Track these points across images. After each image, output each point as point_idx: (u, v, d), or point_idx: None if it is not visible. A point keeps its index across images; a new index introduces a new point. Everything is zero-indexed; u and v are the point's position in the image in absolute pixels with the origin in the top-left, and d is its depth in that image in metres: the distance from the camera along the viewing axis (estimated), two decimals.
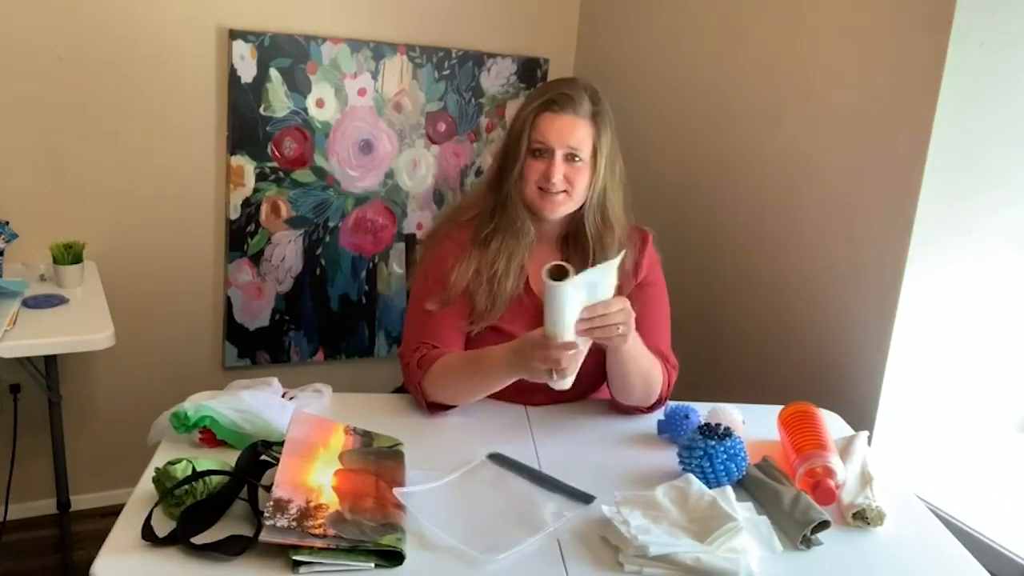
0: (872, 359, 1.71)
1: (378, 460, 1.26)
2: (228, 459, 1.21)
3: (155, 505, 1.12)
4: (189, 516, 1.09)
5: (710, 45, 2.25)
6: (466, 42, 2.67)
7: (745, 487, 1.31)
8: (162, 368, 2.53)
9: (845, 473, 1.30)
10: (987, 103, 1.58)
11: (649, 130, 2.50)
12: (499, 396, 1.57)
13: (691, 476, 1.25)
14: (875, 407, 1.71)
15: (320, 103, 2.51)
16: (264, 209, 2.53)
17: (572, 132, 1.48)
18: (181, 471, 1.14)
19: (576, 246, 1.58)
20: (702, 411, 1.48)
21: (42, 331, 1.80)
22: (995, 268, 1.68)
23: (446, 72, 2.66)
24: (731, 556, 1.09)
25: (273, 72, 2.43)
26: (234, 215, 2.50)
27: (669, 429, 1.47)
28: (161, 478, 1.14)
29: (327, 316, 2.71)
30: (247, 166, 2.47)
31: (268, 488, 1.12)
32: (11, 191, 2.24)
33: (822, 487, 1.25)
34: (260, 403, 1.35)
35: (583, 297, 1.30)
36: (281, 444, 1.22)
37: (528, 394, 1.57)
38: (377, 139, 2.63)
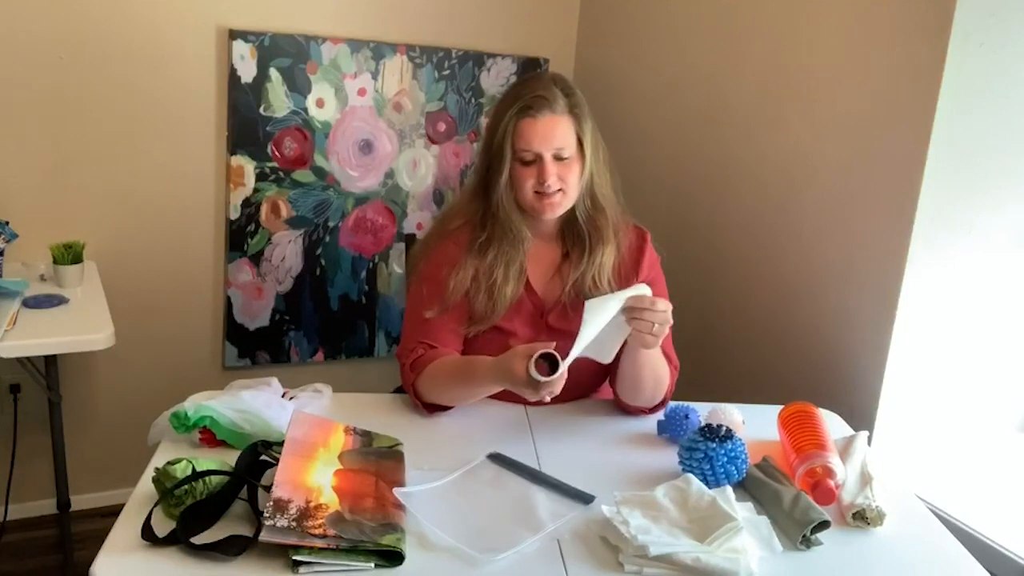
0: (872, 359, 1.71)
1: (378, 460, 1.26)
2: (228, 459, 1.21)
3: (155, 505, 1.12)
4: (189, 516, 1.09)
5: (710, 45, 2.25)
6: (466, 42, 2.67)
7: (745, 487, 1.31)
8: (162, 368, 2.53)
9: (845, 473, 1.30)
10: (987, 103, 1.58)
11: (649, 130, 2.50)
12: (499, 396, 1.57)
13: (691, 476, 1.25)
14: (875, 407, 1.71)
15: (320, 103, 2.51)
16: (264, 209, 2.53)
17: (555, 132, 1.47)
18: (181, 471, 1.14)
19: (573, 236, 1.58)
20: (702, 411, 1.48)
21: (42, 331, 1.80)
22: (995, 268, 1.68)
23: (446, 72, 2.66)
24: (731, 556, 1.09)
25: (273, 72, 2.43)
26: (234, 215, 2.50)
27: (669, 429, 1.47)
28: (161, 478, 1.14)
29: (327, 316, 2.71)
30: (247, 166, 2.47)
31: (268, 488, 1.12)
32: (11, 191, 2.24)
33: (822, 487, 1.25)
34: (260, 403, 1.35)
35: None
36: (281, 444, 1.22)
37: None
38: (377, 139, 2.63)
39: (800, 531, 1.17)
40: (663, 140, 2.45)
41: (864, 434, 1.45)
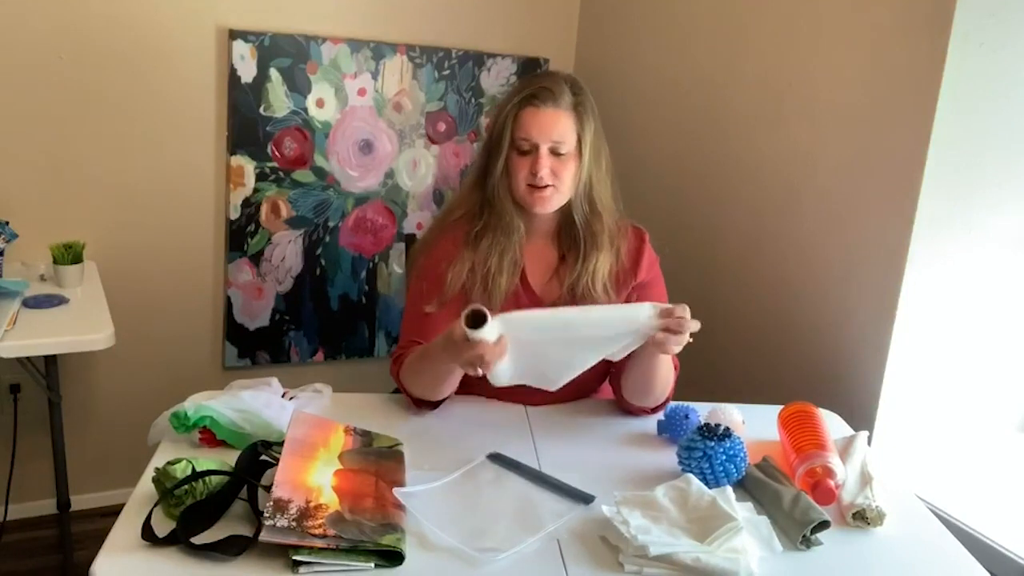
0: (872, 359, 1.71)
1: (378, 460, 1.26)
2: (228, 459, 1.21)
3: (155, 505, 1.12)
4: (189, 516, 1.09)
5: (710, 44, 2.25)
6: (466, 42, 2.67)
7: (745, 487, 1.31)
8: (162, 368, 2.53)
9: (845, 473, 1.30)
10: (987, 103, 1.58)
11: (649, 129, 2.50)
12: (499, 396, 1.57)
13: (691, 476, 1.25)
14: (875, 407, 1.71)
15: (320, 103, 2.52)
16: (264, 209, 2.53)
17: (555, 125, 1.47)
18: (181, 471, 1.14)
19: (569, 237, 1.58)
20: (702, 411, 1.48)
21: (42, 331, 1.80)
22: (995, 268, 1.68)
23: (446, 72, 2.66)
24: (731, 556, 1.09)
25: (273, 72, 2.43)
26: (234, 215, 2.50)
27: (669, 429, 1.47)
28: (161, 478, 1.14)
29: (327, 316, 2.71)
30: (247, 166, 2.47)
31: (268, 488, 1.12)
32: (11, 191, 2.24)
33: (822, 487, 1.25)
34: (260, 403, 1.35)
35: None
36: (281, 444, 1.22)
37: (528, 394, 1.57)
38: (377, 139, 2.63)
39: (800, 531, 1.17)
40: (663, 140, 2.45)
41: (864, 434, 1.45)
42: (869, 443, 1.46)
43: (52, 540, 2.42)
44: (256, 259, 2.56)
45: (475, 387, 1.59)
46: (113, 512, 1.15)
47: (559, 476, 1.31)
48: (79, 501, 2.40)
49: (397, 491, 1.18)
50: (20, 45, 2.18)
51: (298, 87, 2.47)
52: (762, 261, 2.06)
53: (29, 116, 2.23)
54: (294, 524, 1.04)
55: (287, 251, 2.60)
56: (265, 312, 2.62)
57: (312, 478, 1.15)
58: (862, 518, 1.24)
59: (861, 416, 1.71)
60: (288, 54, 2.44)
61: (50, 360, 2.03)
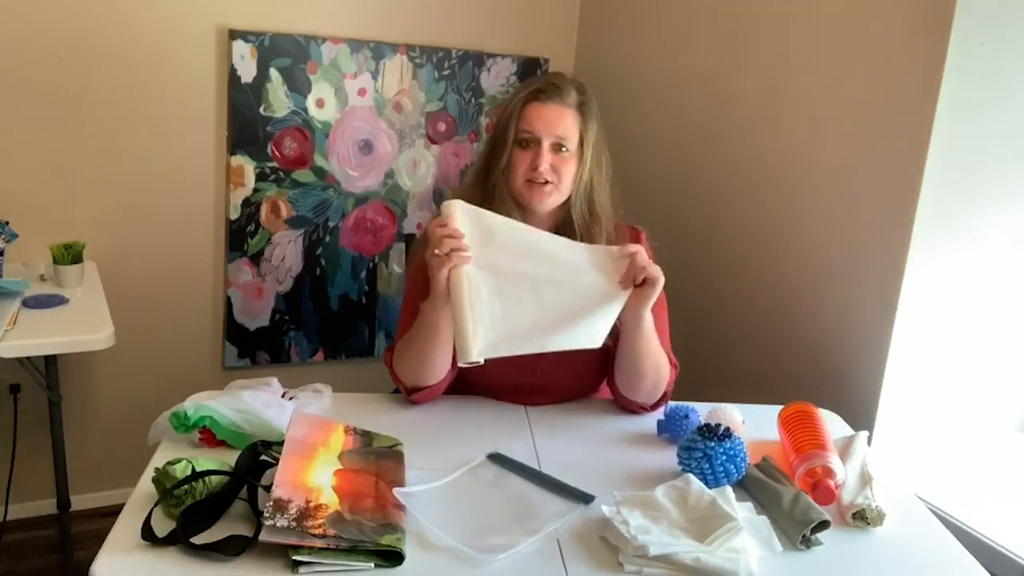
0: (872, 359, 1.71)
1: (378, 460, 1.26)
2: (228, 459, 1.21)
3: (155, 505, 1.12)
4: (189, 516, 1.09)
5: (710, 44, 2.25)
6: (466, 42, 2.67)
7: (745, 487, 1.31)
8: (162, 368, 2.53)
9: (845, 473, 1.30)
10: (987, 103, 1.58)
11: (649, 129, 2.50)
12: (499, 396, 1.57)
13: (691, 476, 1.25)
14: (875, 407, 1.71)
15: (320, 103, 2.52)
16: (264, 209, 2.53)
17: (559, 121, 1.48)
18: (181, 471, 1.14)
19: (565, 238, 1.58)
20: (702, 411, 1.48)
21: (42, 331, 1.80)
22: (995, 268, 1.68)
23: (446, 72, 2.66)
24: (731, 556, 1.09)
25: (273, 72, 2.43)
26: (234, 215, 2.50)
27: (669, 429, 1.47)
28: (161, 478, 1.14)
29: (327, 316, 2.71)
30: (247, 166, 2.47)
31: (268, 488, 1.12)
32: (11, 191, 2.24)
33: (822, 487, 1.24)
34: (260, 403, 1.35)
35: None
36: (281, 444, 1.22)
37: (528, 394, 1.57)
38: (377, 139, 2.63)
39: (800, 531, 1.17)
40: (663, 140, 2.45)
41: (864, 434, 1.45)
42: (869, 443, 1.46)
43: (52, 540, 2.42)
44: (256, 259, 2.56)
45: (475, 387, 1.59)
46: (113, 512, 1.15)
47: (559, 476, 1.30)
48: (79, 501, 2.40)
49: (397, 491, 1.18)
50: (20, 45, 2.18)
51: (298, 87, 2.47)
52: (762, 261, 2.06)
53: (29, 116, 2.24)
54: (294, 524, 1.04)
55: (287, 251, 2.60)
56: (265, 312, 2.62)
57: (312, 478, 1.15)
58: (862, 518, 1.23)
59: (861, 416, 1.71)
60: (288, 54, 2.44)
61: (50, 360, 2.03)
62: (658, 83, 2.47)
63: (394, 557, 1.06)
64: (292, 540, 1.03)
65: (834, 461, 1.29)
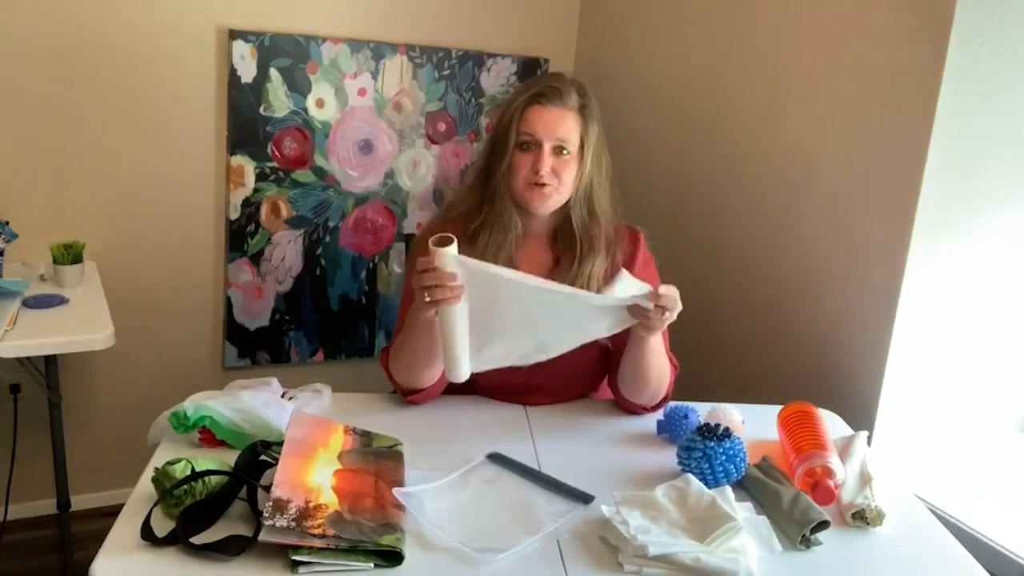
0: (872, 359, 1.71)
1: (377, 460, 1.26)
2: (227, 459, 1.21)
3: (154, 505, 1.12)
4: (188, 516, 1.09)
5: (710, 44, 2.25)
6: (466, 42, 2.67)
7: (744, 487, 1.31)
8: (162, 368, 2.53)
9: (844, 473, 1.30)
10: (987, 103, 1.58)
11: (649, 129, 2.50)
12: (499, 396, 1.57)
13: (690, 476, 1.25)
14: (875, 407, 1.71)
15: (320, 103, 2.52)
16: (264, 209, 2.53)
17: (560, 124, 1.48)
18: (180, 471, 1.14)
19: (565, 240, 1.58)
20: (702, 411, 1.48)
21: (42, 331, 1.80)
22: (995, 268, 1.68)
23: (446, 72, 2.66)
24: (731, 556, 1.09)
25: (273, 72, 2.43)
26: (234, 215, 2.50)
27: (668, 429, 1.47)
28: (160, 478, 1.14)
29: (327, 316, 2.71)
30: (247, 166, 2.47)
31: (267, 488, 1.12)
32: (11, 191, 2.24)
33: (821, 487, 1.24)
34: (260, 403, 1.35)
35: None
36: (280, 444, 1.22)
37: (527, 394, 1.57)
38: (377, 139, 2.63)
39: (800, 531, 1.17)
40: (663, 140, 2.45)
41: (864, 434, 1.45)
42: (869, 443, 1.46)
43: (52, 540, 2.42)
44: (256, 259, 2.56)
45: (474, 387, 1.59)
46: (113, 512, 1.15)
47: (559, 476, 1.30)
48: (79, 501, 2.40)
49: (396, 491, 1.18)
50: (20, 46, 2.18)
51: (298, 87, 2.47)
52: (762, 261, 2.06)
53: (29, 116, 2.24)
54: (293, 524, 1.04)
55: (287, 251, 2.60)
56: (265, 312, 2.62)
57: (311, 478, 1.15)
58: (862, 518, 1.23)
59: (861, 416, 1.71)
60: (288, 54, 2.44)
61: (50, 360, 2.03)
62: (658, 83, 2.47)
63: (394, 557, 1.06)
64: (292, 540, 1.03)
65: (834, 461, 1.29)
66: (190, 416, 1.30)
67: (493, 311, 1.36)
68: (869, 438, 1.48)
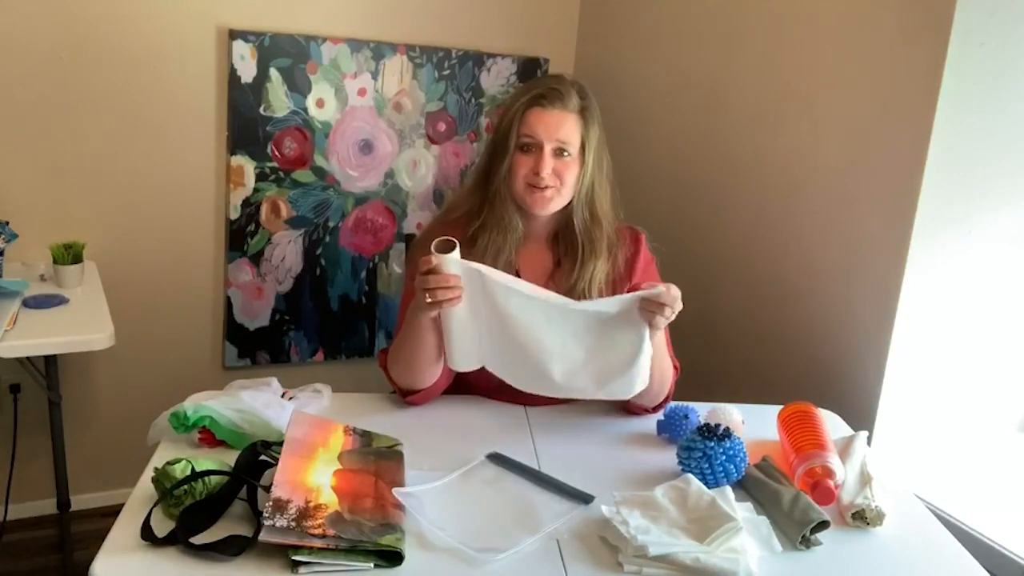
0: (872, 359, 1.71)
1: (377, 460, 1.26)
2: (227, 459, 1.21)
3: (154, 505, 1.12)
4: (188, 516, 1.09)
5: (710, 45, 2.25)
6: (466, 42, 2.67)
7: (744, 487, 1.31)
8: (162, 368, 2.53)
9: (844, 473, 1.30)
10: (987, 103, 1.58)
11: (649, 129, 2.50)
12: (498, 396, 1.57)
13: (690, 476, 1.25)
14: (875, 407, 1.71)
15: (320, 103, 2.52)
16: (264, 209, 2.53)
17: (560, 126, 1.48)
18: (180, 471, 1.14)
19: (566, 243, 1.58)
20: (702, 411, 1.48)
21: (42, 331, 1.80)
22: (995, 268, 1.68)
23: (446, 72, 2.66)
24: (730, 556, 1.09)
25: (273, 72, 2.43)
26: (234, 215, 2.50)
27: (668, 429, 1.47)
28: (160, 478, 1.14)
29: (327, 316, 2.71)
30: (247, 166, 2.47)
31: (267, 488, 1.12)
32: (11, 191, 2.24)
33: (821, 487, 1.25)
34: (260, 403, 1.35)
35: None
36: (280, 444, 1.22)
37: (528, 395, 1.57)
38: (377, 139, 2.63)
39: (800, 531, 1.17)
40: (663, 140, 2.45)
41: (864, 434, 1.45)
42: (869, 443, 1.46)
43: (52, 540, 2.42)
44: (256, 259, 2.56)
45: (475, 387, 1.59)
46: (113, 512, 1.15)
47: (559, 476, 1.31)
48: (79, 501, 2.40)
49: (397, 491, 1.18)
50: (20, 45, 2.18)
51: (298, 87, 2.47)
52: (762, 261, 2.06)
53: (29, 116, 2.24)
54: (293, 524, 1.04)
55: (287, 251, 2.60)
56: (265, 312, 2.62)
57: (311, 478, 1.15)
58: (861, 518, 1.24)
59: (861, 416, 1.71)
60: (288, 54, 2.44)
61: (50, 360, 2.03)
62: (658, 83, 2.47)
63: (393, 557, 1.06)
64: (292, 540, 1.03)
65: (834, 461, 1.29)
66: (190, 416, 1.30)
67: (493, 319, 1.38)
68: (869, 438, 1.48)
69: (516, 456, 1.36)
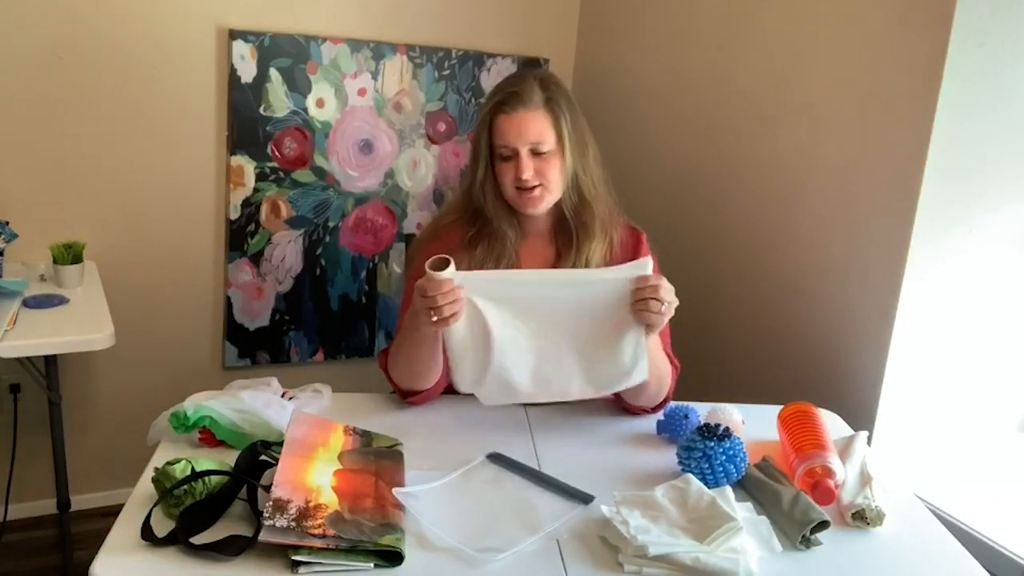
0: (872, 359, 1.71)
1: (377, 460, 1.26)
2: (227, 459, 1.21)
3: (154, 505, 1.12)
4: (188, 516, 1.09)
5: (710, 44, 2.25)
6: (466, 42, 2.68)
7: (745, 487, 1.31)
8: (162, 368, 2.53)
9: (844, 473, 1.30)
10: (987, 103, 1.58)
11: (649, 129, 2.50)
12: None
13: (690, 476, 1.25)
14: (875, 407, 1.71)
15: (320, 103, 2.52)
16: (264, 209, 2.53)
17: (528, 127, 1.47)
18: (180, 471, 1.14)
19: (563, 233, 1.58)
20: (702, 411, 1.48)
21: (42, 331, 1.80)
22: (995, 267, 1.68)
23: (446, 72, 2.66)
24: (730, 556, 1.09)
25: (273, 72, 2.43)
26: (234, 215, 2.50)
27: (668, 429, 1.47)
28: (160, 478, 1.14)
29: (327, 316, 2.71)
30: (247, 166, 2.47)
31: (267, 488, 1.12)
32: (11, 191, 2.24)
33: (821, 487, 1.24)
34: (260, 403, 1.35)
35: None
36: (280, 444, 1.22)
37: None
38: (377, 139, 2.63)
39: (800, 531, 1.17)
40: (663, 139, 2.45)
41: (864, 434, 1.45)
42: (869, 443, 1.46)
43: (52, 540, 2.42)
44: (256, 259, 2.56)
45: None
46: (113, 512, 1.15)
47: (559, 476, 1.31)
48: (79, 501, 2.40)
49: (397, 491, 1.18)
50: (20, 45, 2.18)
51: (298, 87, 2.47)
52: (762, 260, 2.06)
53: (29, 116, 2.24)
54: (293, 524, 1.04)
55: (287, 251, 2.60)
56: (265, 312, 2.62)
57: (311, 478, 1.15)
58: (862, 518, 1.23)
59: (861, 416, 1.71)
60: (288, 54, 2.44)
61: (50, 360, 2.03)
62: (658, 83, 2.47)
63: (394, 557, 1.06)
64: (292, 540, 1.03)
65: (834, 461, 1.29)
66: (190, 416, 1.30)
67: (492, 331, 1.37)
68: (869, 438, 1.48)
69: (516, 456, 1.36)
